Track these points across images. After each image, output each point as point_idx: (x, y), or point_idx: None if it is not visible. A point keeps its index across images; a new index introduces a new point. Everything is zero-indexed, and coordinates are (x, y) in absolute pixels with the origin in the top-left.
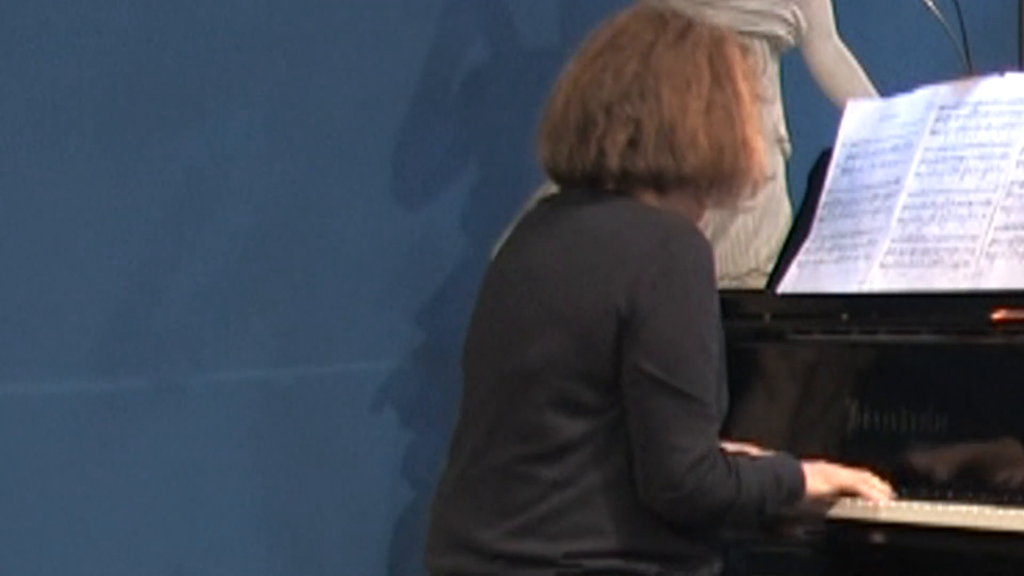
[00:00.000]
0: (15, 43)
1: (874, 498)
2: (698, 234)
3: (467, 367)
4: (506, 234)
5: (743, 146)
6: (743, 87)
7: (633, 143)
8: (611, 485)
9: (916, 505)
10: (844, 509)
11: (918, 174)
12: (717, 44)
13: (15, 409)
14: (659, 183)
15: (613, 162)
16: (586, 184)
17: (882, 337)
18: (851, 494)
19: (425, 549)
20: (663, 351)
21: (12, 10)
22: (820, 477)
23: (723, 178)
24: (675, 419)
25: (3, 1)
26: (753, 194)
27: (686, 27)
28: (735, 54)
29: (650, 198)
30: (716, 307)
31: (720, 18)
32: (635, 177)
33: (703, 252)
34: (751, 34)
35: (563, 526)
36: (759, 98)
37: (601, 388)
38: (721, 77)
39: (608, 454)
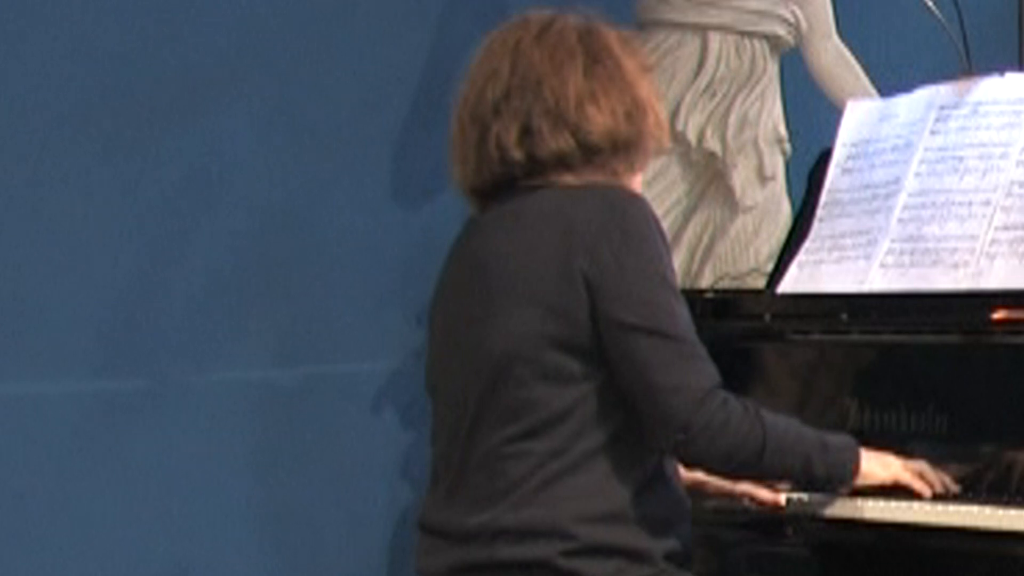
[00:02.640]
0: (14, 44)
1: (924, 492)
2: (637, 195)
3: (435, 385)
4: None
5: (636, 107)
6: (625, 60)
7: (527, 131)
8: (603, 450)
9: (916, 505)
10: (844, 509)
11: (918, 174)
12: (586, 28)
13: (15, 409)
14: (567, 162)
15: (516, 154)
16: (504, 186)
17: (882, 337)
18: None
19: (416, 555)
20: (638, 301)
21: (11, 11)
22: (877, 462)
23: (626, 141)
24: (668, 362)
25: (3, 2)
26: (660, 152)
27: (549, 20)
28: (609, 34)
29: (570, 179)
30: (671, 259)
31: (721, 18)
32: (542, 161)
33: (647, 210)
34: (751, 34)
35: (561, 490)
36: (646, 69)
37: (581, 355)
38: (597, 53)
39: (598, 421)
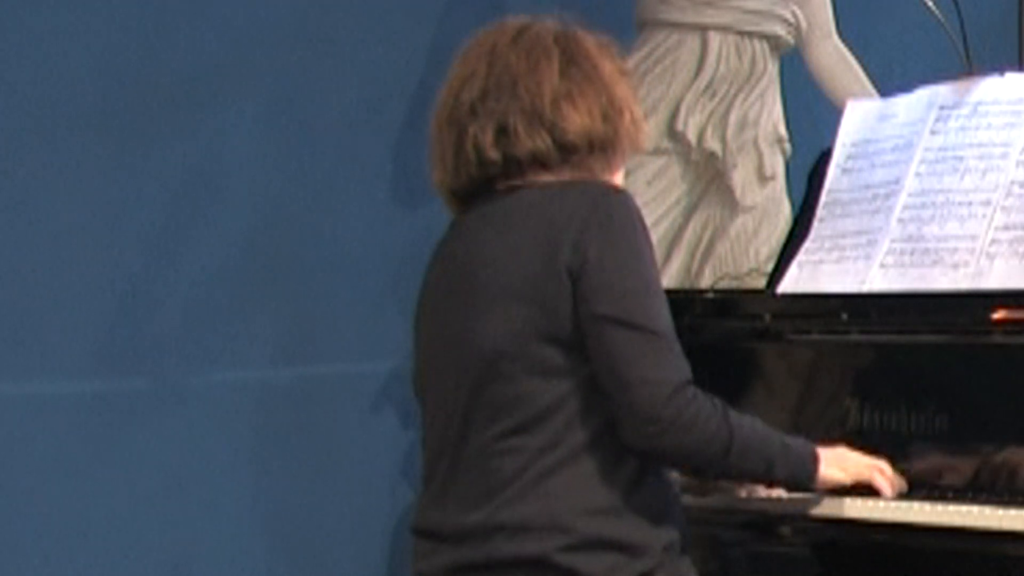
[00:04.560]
0: (14, 43)
1: (885, 490)
2: (621, 189)
3: (424, 388)
4: None
5: (612, 107)
6: (601, 62)
7: (504, 131)
8: (595, 443)
9: (916, 505)
10: (844, 509)
11: (918, 174)
12: (564, 31)
13: (15, 409)
14: (544, 162)
15: (492, 154)
16: (482, 188)
17: (882, 337)
18: (865, 484)
19: (412, 559)
20: (614, 293)
21: (11, 10)
22: (836, 464)
23: (602, 140)
24: (641, 355)
25: (3, 1)
26: (635, 151)
27: (526, 24)
28: (586, 37)
29: (549, 179)
30: (654, 254)
31: (721, 18)
32: (519, 161)
33: (631, 205)
34: (751, 34)
35: (557, 484)
36: (623, 72)
37: (568, 349)
38: (573, 54)
39: (588, 414)
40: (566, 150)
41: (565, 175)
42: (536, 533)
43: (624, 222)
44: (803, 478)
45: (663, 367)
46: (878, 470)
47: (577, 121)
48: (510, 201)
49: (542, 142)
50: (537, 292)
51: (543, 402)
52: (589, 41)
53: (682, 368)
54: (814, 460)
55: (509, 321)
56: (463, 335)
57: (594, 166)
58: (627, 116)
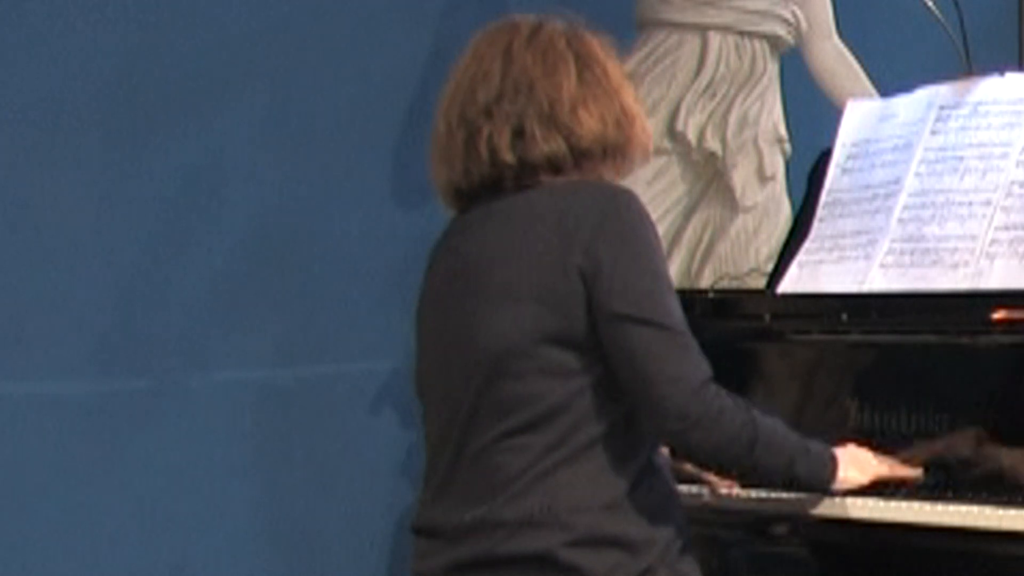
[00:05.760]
0: (14, 43)
1: (909, 478)
2: (628, 189)
3: (426, 388)
4: None
5: (624, 114)
6: (610, 67)
7: (520, 134)
8: (599, 442)
9: (916, 505)
10: (844, 509)
11: (918, 174)
12: (573, 32)
13: (15, 409)
14: (557, 165)
15: (507, 157)
16: (489, 188)
17: (882, 337)
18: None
19: (412, 557)
20: (632, 293)
21: (11, 10)
22: (854, 466)
23: (614, 147)
24: (663, 352)
25: (3, 1)
26: (644, 159)
27: (538, 24)
28: (593, 40)
29: (559, 182)
30: (663, 253)
31: (721, 18)
32: (533, 165)
33: (639, 203)
34: (751, 34)
35: (559, 480)
36: (627, 76)
37: (578, 349)
38: (585, 58)
39: (595, 414)
40: (580, 155)
41: (575, 178)
42: (538, 529)
43: (635, 221)
44: (822, 478)
45: (686, 364)
46: (896, 467)
47: (593, 127)
48: (518, 200)
49: (557, 147)
50: (547, 293)
51: (552, 401)
52: (596, 44)
53: (703, 365)
54: (833, 462)
55: (518, 320)
56: (470, 333)
57: (605, 172)
58: (638, 123)
